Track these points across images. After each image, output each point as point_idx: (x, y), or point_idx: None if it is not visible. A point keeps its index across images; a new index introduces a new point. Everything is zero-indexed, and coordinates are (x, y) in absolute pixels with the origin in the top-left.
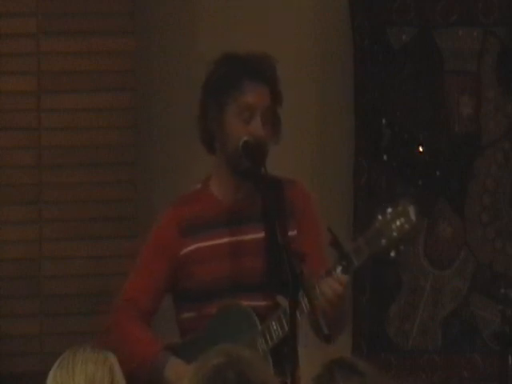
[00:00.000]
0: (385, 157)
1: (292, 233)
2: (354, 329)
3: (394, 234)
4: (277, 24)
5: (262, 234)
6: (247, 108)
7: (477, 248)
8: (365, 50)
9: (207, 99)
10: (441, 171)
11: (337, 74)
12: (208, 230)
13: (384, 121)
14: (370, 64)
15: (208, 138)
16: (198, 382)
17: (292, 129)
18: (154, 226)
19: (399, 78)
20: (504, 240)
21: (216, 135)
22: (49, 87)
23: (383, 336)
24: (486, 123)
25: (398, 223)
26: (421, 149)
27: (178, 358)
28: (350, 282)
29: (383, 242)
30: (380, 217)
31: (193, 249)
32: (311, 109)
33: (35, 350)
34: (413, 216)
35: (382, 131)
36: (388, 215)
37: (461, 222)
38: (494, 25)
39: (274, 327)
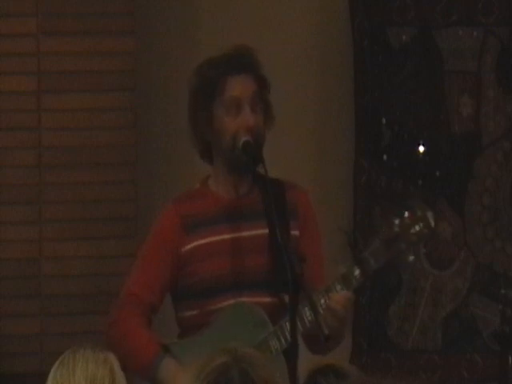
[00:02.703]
0: (385, 157)
1: (294, 232)
2: (353, 329)
3: (414, 238)
4: (277, 24)
5: (263, 231)
6: (233, 101)
7: (477, 248)
8: (365, 49)
9: (194, 106)
10: (441, 171)
11: (337, 74)
12: (209, 227)
13: (384, 121)
14: (369, 64)
15: (204, 148)
16: (201, 381)
17: (292, 129)
18: (154, 222)
19: (399, 77)
20: (504, 240)
21: (210, 138)
22: (49, 87)
23: (383, 336)
24: (486, 123)
25: (417, 228)
26: (421, 149)
27: (172, 358)
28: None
29: (402, 246)
30: (397, 221)
31: (194, 246)
32: (311, 109)
33: (35, 350)
34: (432, 221)
35: (382, 131)
36: (407, 220)
37: (461, 222)
38: (494, 25)
39: (288, 328)
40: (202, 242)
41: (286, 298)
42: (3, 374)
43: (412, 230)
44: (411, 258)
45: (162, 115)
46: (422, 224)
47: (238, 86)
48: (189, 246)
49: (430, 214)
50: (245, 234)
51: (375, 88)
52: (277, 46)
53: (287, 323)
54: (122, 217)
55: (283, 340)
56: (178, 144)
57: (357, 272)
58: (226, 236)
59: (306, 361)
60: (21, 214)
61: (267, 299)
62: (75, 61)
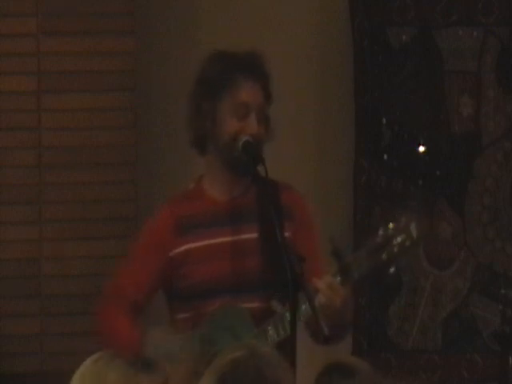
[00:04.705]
0: (385, 157)
1: (287, 234)
2: (354, 329)
3: (395, 249)
4: (277, 24)
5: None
6: (243, 105)
7: (477, 248)
8: (365, 49)
9: (201, 96)
10: (441, 171)
11: (337, 74)
12: (206, 229)
13: (384, 121)
14: (369, 64)
15: (200, 139)
16: (215, 375)
17: (292, 129)
18: (147, 223)
19: (399, 77)
20: (504, 240)
21: (209, 133)
22: (49, 87)
23: (383, 336)
24: (486, 123)
25: (399, 239)
26: (421, 149)
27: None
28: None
29: (384, 256)
30: (381, 231)
31: (190, 248)
32: (311, 109)
33: (35, 350)
34: (414, 233)
35: (382, 131)
36: (390, 230)
37: (461, 222)
38: (494, 25)
39: (270, 332)
40: (199, 244)
41: (275, 305)
42: (3, 374)
43: (394, 242)
44: (392, 270)
45: (161, 115)
46: (404, 235)
47: (250, 93)
48: (182, 248)
49: (413, 225)
50: (244, 236)
51: (375, 88)
52: (277, 45)
53: (269, 327)
54: (121, 217)
55: (269, 340)
56: (178, 144)
57: (338, 279)
58: (225, 238)
59: (304, 361)
60: (21, 214)
61: (258, 304)
62: (75, 61)
